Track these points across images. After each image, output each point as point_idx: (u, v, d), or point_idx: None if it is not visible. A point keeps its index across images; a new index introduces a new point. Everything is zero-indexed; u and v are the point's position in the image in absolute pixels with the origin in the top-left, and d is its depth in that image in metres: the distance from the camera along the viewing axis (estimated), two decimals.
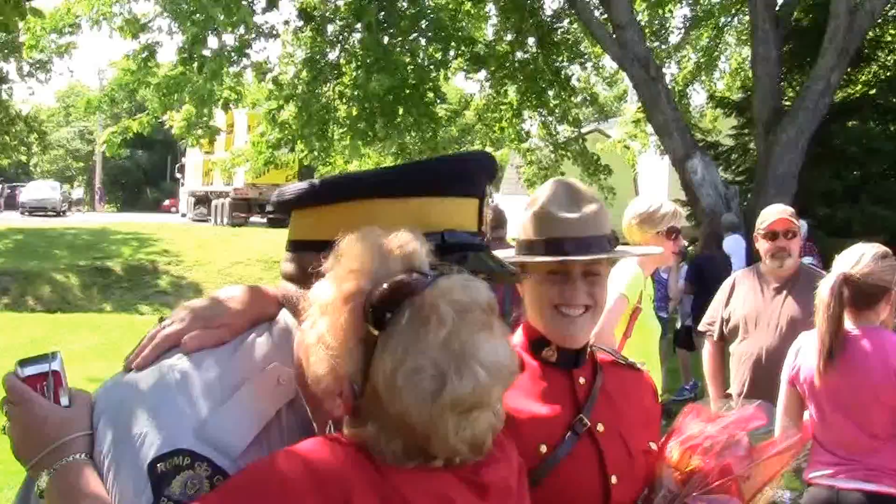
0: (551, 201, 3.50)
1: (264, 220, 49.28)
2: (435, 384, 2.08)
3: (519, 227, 3.59)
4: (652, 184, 37.47)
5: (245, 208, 49.53)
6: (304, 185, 2.54)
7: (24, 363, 2.43)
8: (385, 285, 2.13)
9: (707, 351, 8.46)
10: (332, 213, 2.45)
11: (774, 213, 7.99)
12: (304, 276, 2.45)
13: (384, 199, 2.43)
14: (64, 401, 2.37)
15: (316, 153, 23.62)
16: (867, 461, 5.88)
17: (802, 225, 18.85)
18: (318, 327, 2.19)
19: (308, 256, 2.46)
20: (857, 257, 5.92)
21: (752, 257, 16.57)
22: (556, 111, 26.04)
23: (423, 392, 2.08)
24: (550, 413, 3.39)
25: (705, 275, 14.00)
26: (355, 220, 2.37)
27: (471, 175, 2.57)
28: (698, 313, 11.81)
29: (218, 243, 36.31)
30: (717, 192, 19.53)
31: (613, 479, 3.33)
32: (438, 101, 23.90)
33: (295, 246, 2.57)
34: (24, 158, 63.33)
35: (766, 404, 3.55)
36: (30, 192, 65.22)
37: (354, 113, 22.24)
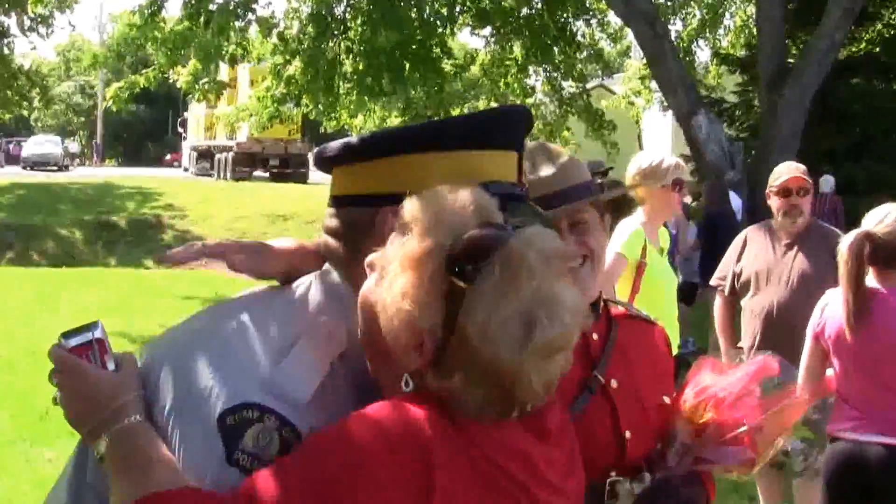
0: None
1: (267, 174, 49.34)
2: (527, 330, 2.10)
3: None
4: (655, 140, 37.50)
5: (248, 162, 49.39)
6: (345, 141, 2.56)
7: (67, 335, 2.39)
8: (467, 238, 2.15)
9: (718, 305, 8.53)
10: (373, 169, 2.47)
11: (788, 171, 8.04)
12: (347, 232, 2.50)
13: (424, 154, 2.45)
14: (111, 366, 2.37)
15: (321, 108, 23.62)
16: (889, 415, 5.94)
17: (829, 180, 18.97)
18: (398, 283, 2.18)
19: (350, 212, 2.50)
20: (882, 216, 5.99)
21: (751, 214, 16.72)
22: (562, 67, 26.06)
23: (515, 338, 2.10)
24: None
25: (718, 231, 14.00)
26: (396, 175, 2.43)
27: (511, 128, 2.58)
28: (708, 268, 11.89)
29: (222, 198, 36.31)
30: (722, 148, 19.58)
31: (627, 435, 3.35)
32: (444, 56, 23.91)
33: (337, 202, 2.56)
34: (25, 113, 63.19)
35: (777, 356, 3.61)
36: (31, 147, 65.08)
37: (361, 68, 22.25)
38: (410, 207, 2.25)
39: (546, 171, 3.49)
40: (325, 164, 2.61)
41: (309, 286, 2.54)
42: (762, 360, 3.51)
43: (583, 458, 2.99)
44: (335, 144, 2.56)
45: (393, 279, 2.20)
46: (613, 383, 3.40)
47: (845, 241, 5.97)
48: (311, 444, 2.17)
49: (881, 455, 6.03)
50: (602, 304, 3.60)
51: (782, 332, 7.47)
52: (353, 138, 2.56)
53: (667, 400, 3.52)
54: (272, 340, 2.38)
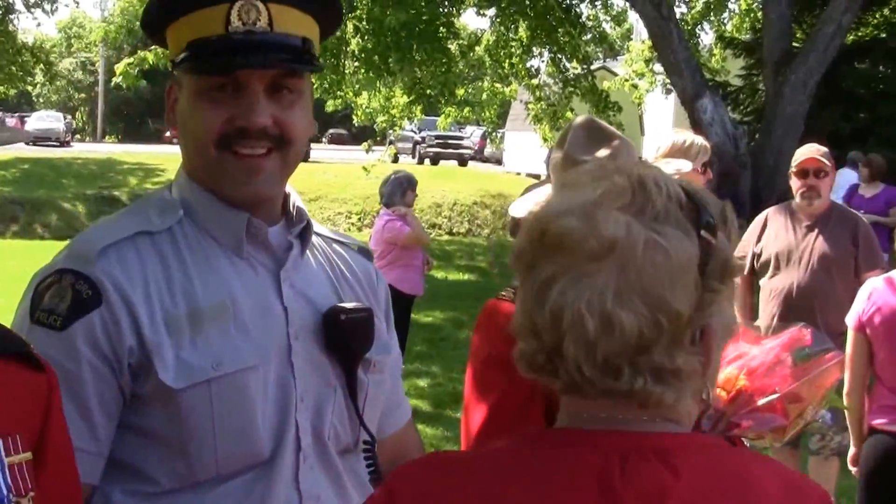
0: (573, 145, 3.61)
1: None
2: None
3: (551, 167, 3.73)
4: (657, 122, 37.51)
5: None
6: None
7: None
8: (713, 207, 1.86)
9: (737, 285, 8.52)
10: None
11: (806, 152, 8.08)
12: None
13: (168, 26, 2.63)
14: None
15: (327, 86, 23.72)
16: None
17: None
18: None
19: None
20: None
21: (754, 197, 16.76)
22: (566, 48, 26.07)
23: None
24: None
25: None
26: (170, 47, 2.68)
27: None
28: None
29: None
30: (726, 131, 19.60)
31: None
32: (451, 36, 23.95)
33: None
34: (30, 89, 63.24)
35: (809, 327, 3.66)
36: (34, 123, 65.23)
37: (369, 47, 22.28)
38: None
39: (592, 154, 3.51)
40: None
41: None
42: (794, 330, 3.58)
43: None
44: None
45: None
46: None
47: None
48: None
49: None
50: None
51: (801, 313, 7.49)
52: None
53: None
54: (109, 224, 2.68)
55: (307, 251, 2.78)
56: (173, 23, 2.58)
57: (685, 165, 4.10)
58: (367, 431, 2.75)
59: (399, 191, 12.30)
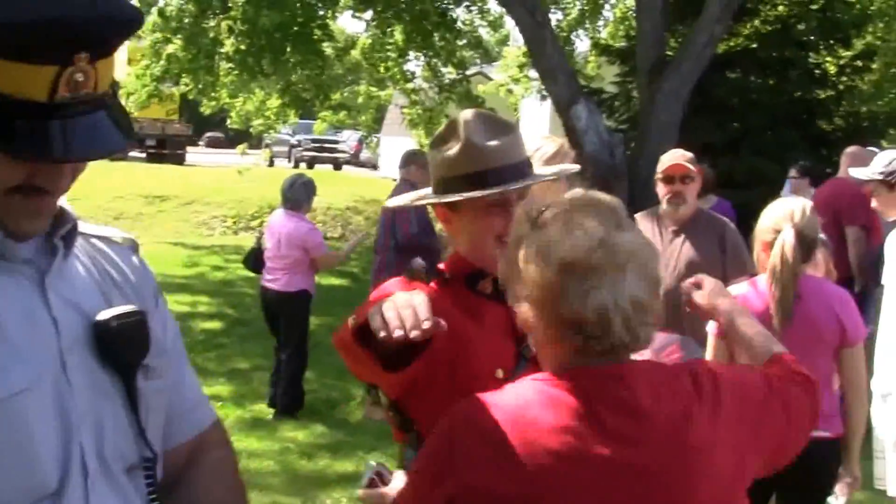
0: (475, 134, 3.58)
1: (144, 154, 48.84)
2: None
3: (441, 162, 3.67)
4: (533, 129, 37.68)
5: None
6: None
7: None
8: None
9: None
10: None
11: (672, 158, 8.08)
12: None
13: None
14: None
15: (201, 88, 23.42)
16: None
17: None
18: None
19: None
20: (798, 210, 6.13)
21: (629, 205, 16.81)
22: (442, 53, 26.06)
23: None
24: (497, 341, 3.57)
25: None
26: None
27: (53, 42, 2.19)
28: None
29: (97, 178, 35.59)
30: (601, 139, 19.64)
31: None
32: (326, 39, 23.83)
33: None
34: None
35: (686, 339, 3.65)
36: None
37: (243, 48, 22.10)
38: None
39: (500, 140, 3.59)
40: None
41: None
42: (675, 344, 3.57)
43: None
44: None
45: None
46: None
47: (786, 239, 6.02)
48: None
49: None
50: None
51: (670, 318, 7.45)
52: None
53: None
54: None
55: (70, 255, 2.59)
56: None
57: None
58: (149, 447, 2.56)
59: (306, 195, 12.20)
